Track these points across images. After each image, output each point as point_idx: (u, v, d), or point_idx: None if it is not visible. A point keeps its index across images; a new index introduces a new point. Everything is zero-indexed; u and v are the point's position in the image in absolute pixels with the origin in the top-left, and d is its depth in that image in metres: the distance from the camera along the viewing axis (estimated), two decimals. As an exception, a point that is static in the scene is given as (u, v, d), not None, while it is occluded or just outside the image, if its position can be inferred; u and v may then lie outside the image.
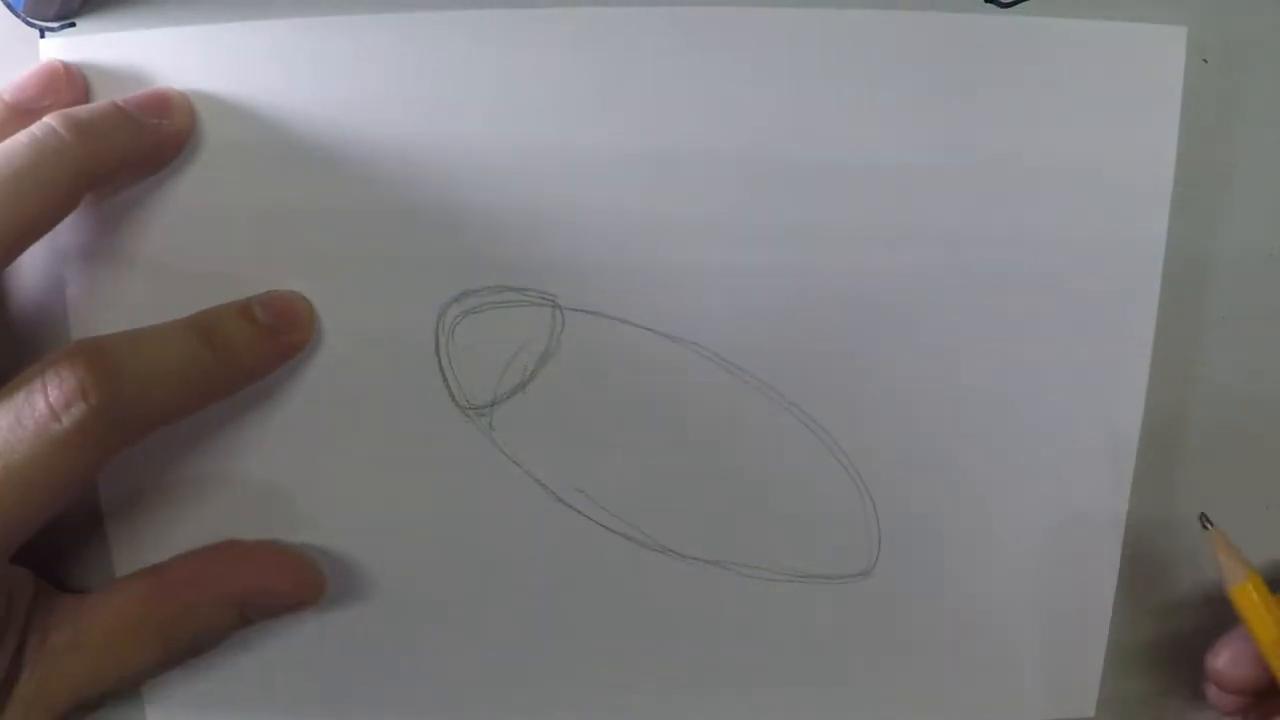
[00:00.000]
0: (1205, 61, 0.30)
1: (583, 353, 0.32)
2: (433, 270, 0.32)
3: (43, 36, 0.31)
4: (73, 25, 0.31)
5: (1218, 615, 0.35)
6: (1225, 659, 0.31)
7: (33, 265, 0.32)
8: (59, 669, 0.30)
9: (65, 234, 0.32)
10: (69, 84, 0.30)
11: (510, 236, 0.31)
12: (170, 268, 0.32)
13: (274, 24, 0.31)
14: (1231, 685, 0.32)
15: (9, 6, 0.31)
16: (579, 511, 0.33)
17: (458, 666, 0.35)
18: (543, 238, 0.31)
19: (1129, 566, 0.34)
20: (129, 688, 0.33)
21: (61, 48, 0.31)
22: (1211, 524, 0.32)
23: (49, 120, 0.28)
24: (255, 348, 0.31)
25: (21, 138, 0.28)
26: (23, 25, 0.31)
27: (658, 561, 0.33)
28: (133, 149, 0.30)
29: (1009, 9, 0.30)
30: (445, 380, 0.32)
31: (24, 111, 0.30)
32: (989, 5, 0.30)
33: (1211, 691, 0.32)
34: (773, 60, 0.31)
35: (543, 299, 0.32)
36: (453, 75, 0.31)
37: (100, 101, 0.30)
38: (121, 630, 0.31)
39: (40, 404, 0.27)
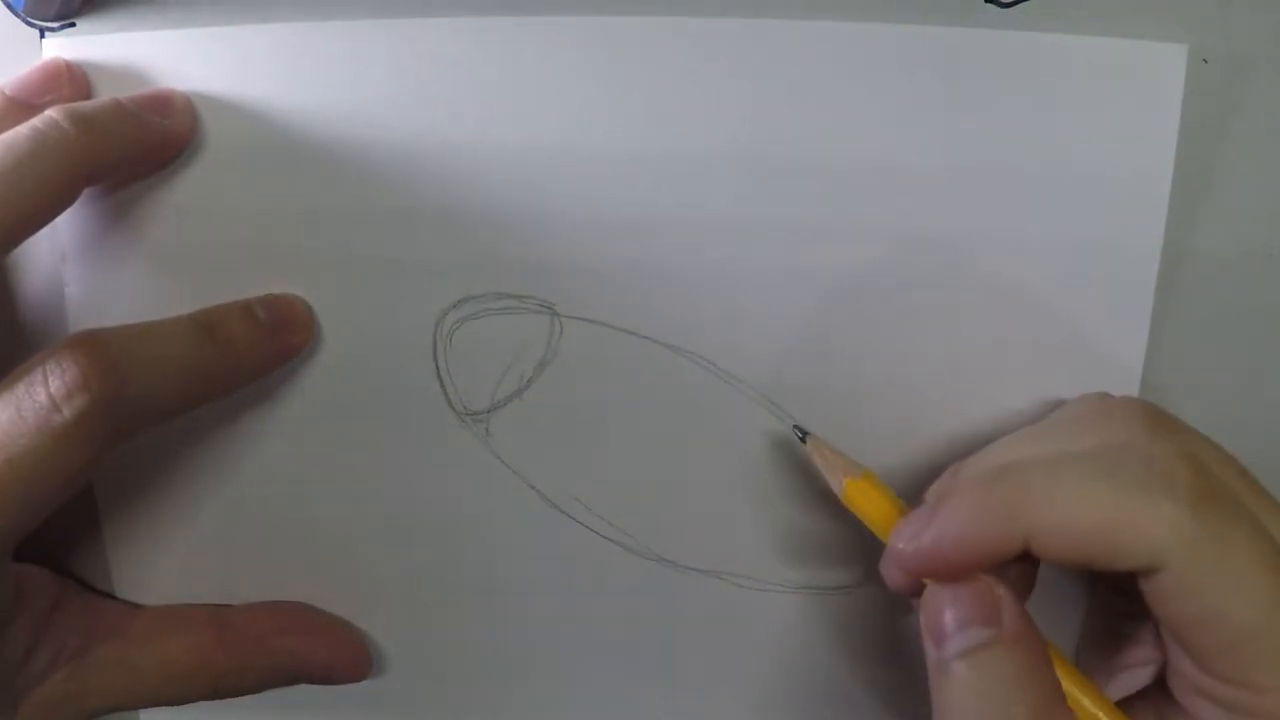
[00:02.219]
0: (1205, 62, 0.31)
1: (580, 360, 0.32)
2: (431, 276, 0.32)
3: (43, 37, 0.31)
4: (73, 25, 0.31)
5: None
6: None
7: (32, 262, 0.32)
8: (101, 682, 0.31)
9: (65, 231, 0.32)
10: (71, 81, 0.31)
11: (509, 244, 0.31)
12: (169, 267, 0.32)
13: (275, 28, 0.31)
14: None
15: (9, 6, 0.31)
16: (574, 519, 0.33)
17: (452, 670, 0.35)
18: (542, 245, 0.31)
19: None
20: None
21: (62, 48, 0.31)
22: (807, 434, 0.31)
23: (51, 113, 0.28)
24: (255, 346, 0.31)
25: (23, 129, 0.28)
26: (23, 25, 0.31)
27: (652, 570, 0.33)
28: (134, 145, 0.30)
29: (1009, 9, 0.31)
30: (443, 386, 0.32)
31: (26, 106, 0.30)
32: (989, 5, 0.31)
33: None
34: (774, 71, 0.30)
35: (541, 306, 0.32)
36: (453, 82, 0.31)
37: (103, 97, 0.31)
38: (180, 671, 0.32)
39: (41, 395, 0.27)
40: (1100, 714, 0.26)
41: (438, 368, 0.32)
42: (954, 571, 0.26)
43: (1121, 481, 0.25)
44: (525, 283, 0.32)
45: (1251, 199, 0.32)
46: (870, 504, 0.29)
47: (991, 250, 0.31)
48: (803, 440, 0.31)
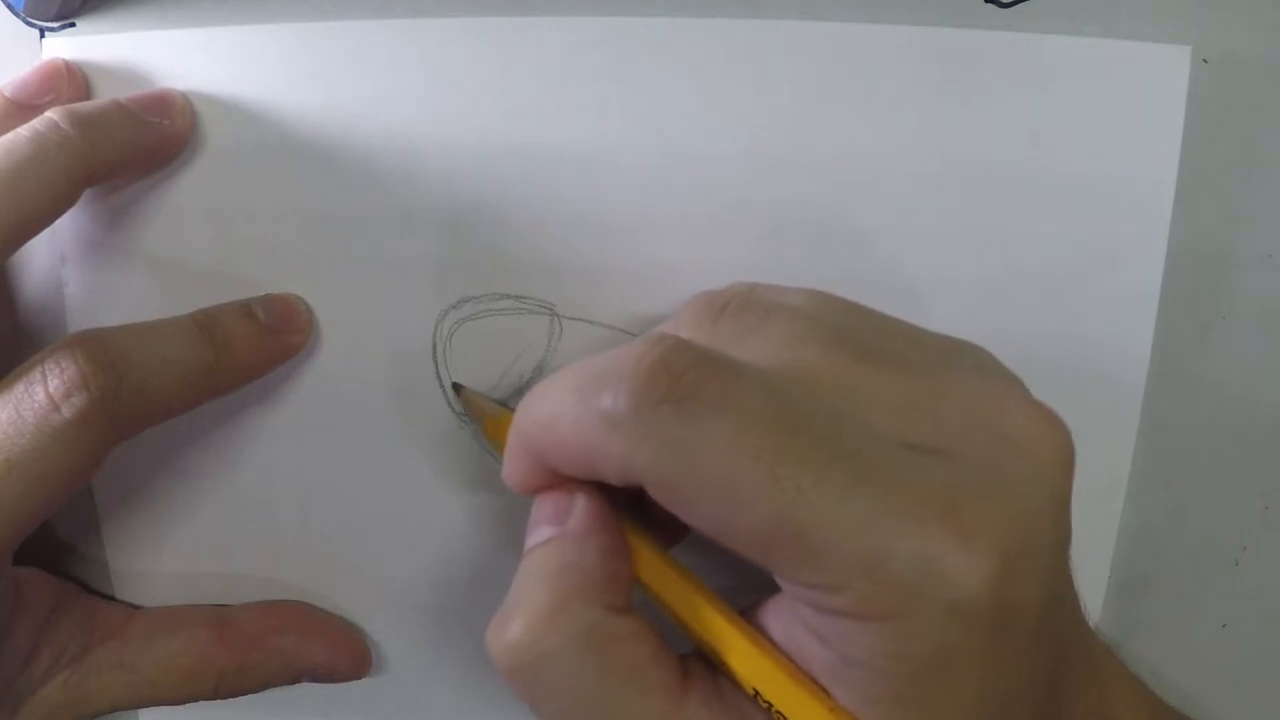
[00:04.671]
0: (1205, 62, 0.31)
1: (580, 361, 0.32)
2: (431, 276, 0.32)
3: (43, 36, 0.31)
4: (73, 25, 0.31)
5: (1215, 619, 0.35)
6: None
7: (31, 263, 0.32)
8: (101, 684, 0.31)
9: (64, 231, 0.32)
10: (70, 81, 0.31)
11: (509, 244, 0.31)
12: (169, 267, 0.32)
13: (275, 28, 0.31)
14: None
15: (9, 6, 0.31)
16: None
17: (452, 670, 0.35)
18: (542, 245, 0.31)
19: (1125, 569, 0.34)
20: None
21: (62, 48, 0.31)
22: (460, 387, 0.32)
23: (51, 115, 0.29)
24: (254, 346, 0.31)
25: (23, 131, 0.28)
26: (23, 25, 0.31)
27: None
28: (134, 146, 0.30)
29: (1009, 9, 0.31)
30: (442, 386, 0.32)
31: (25, 107, 0.30)
32: (989, 5, 0.31)
33: None
34: (774, 71, 0.31)
35: (541, 307, 0.32)
36: (454, 82, 0.31)
37: (102, 99, 0.31)
38: (181, 671, 0.32)
39: (40, 395, 0.27)
40: (709, 615, 0.25)
41: (437, 368, 0.32)
42: (538, 488, 0.25)
43: (579, 388, 0.23)
44: (525, 283, 0.32)
45: (1250, 199, 0.32)
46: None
47: (994, 252, 0.31)
48: (458, 394, 0.32)
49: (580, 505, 0.25)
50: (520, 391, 0.32)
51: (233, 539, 0.34)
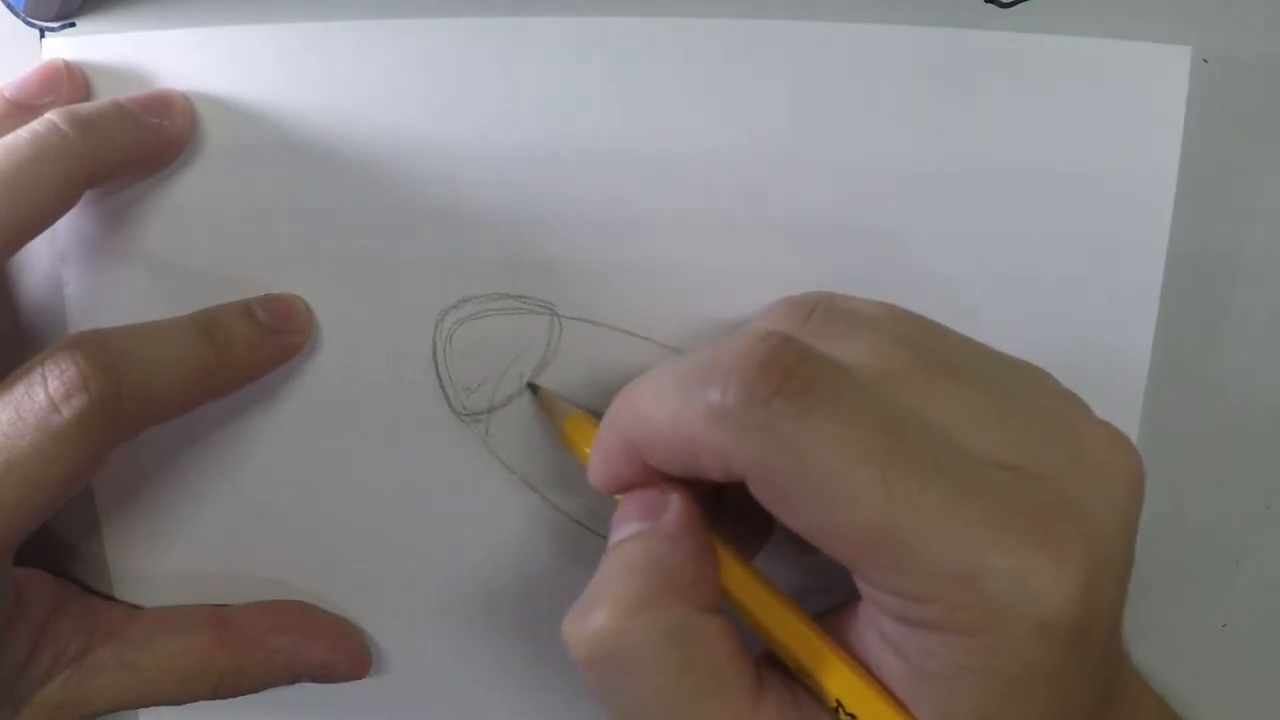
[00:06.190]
0: (1205, 62, 0.31)
1: (580, 361, 0.32)
2: (431, 276, 0.32)
3: (43, 37, 0.31)
4: (72, 25, 0.31)
5: (1215, 619, 0.35)
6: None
7: (32, 263, 0.32)
8: (101, 683, 0.31)
9: (64, 231, 0.32)
10: (70, 82, 0.31)
11: (509, 244, 0.31)
12: (169, 268, 0.32)
13: (275, 28, 0.31)
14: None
15: (9, 6, 0.31)
16: (575, 519, 0.33)
17: (452, 670, 0.35)
18: (542, 246, 0.31)
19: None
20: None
21: (62, 48, 0.31)
22: (537, 388, 0.32)
23: (51, 116, 0.29)
24: (254, 346, 0.31)
25: (23, 133, 0.28)
26: (23, 25, 0.31)
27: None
28: (133, 147, 0.30)
29: (1009, 9, 0.31)
30: (442, 386, 0.32)
31: (25, 108, 0.30)
32: (989, 5, 0.31)
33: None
34: (774, 71, 0.31)
35: (541, 307, 0.32)
36: (455, 82, 0.31)
37: (102, 100, 0.31)
38: (181, 671, 0.32)
39: (40, 396, 0.27)
40: (795, 624, 0.25)
41: (438, 368, 0.32)
42: (626, 486, 0.26)
43: (684, 382, 0.23)
44: (525, 283, 0.32)
45: (1250, 199, 0.32)
46: (585, 439, 0.29)
47: (995, 252, 0.31)
48: (535, 394, 0.32)
49: (675, 503, 0.25)
50: (521, 392, 0.32)
51: (233, 539, 0.34)
